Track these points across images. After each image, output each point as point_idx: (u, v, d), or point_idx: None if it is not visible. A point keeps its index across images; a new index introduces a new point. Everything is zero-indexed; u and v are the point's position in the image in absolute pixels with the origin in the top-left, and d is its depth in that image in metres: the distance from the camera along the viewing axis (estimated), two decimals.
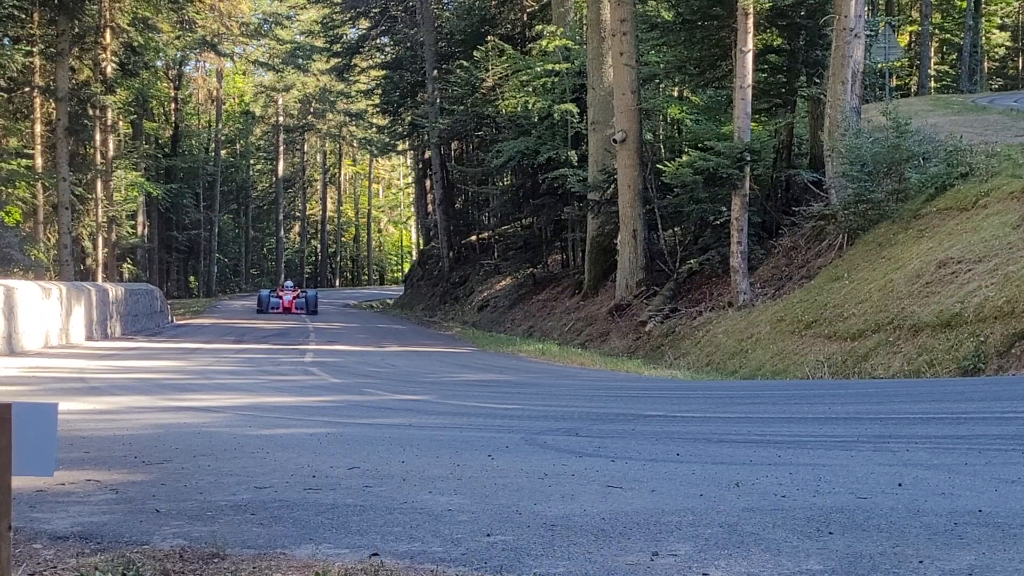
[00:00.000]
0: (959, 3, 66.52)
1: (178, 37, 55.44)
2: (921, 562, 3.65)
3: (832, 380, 15.41)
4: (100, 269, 44.33)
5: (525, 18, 47.71)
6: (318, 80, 76.53)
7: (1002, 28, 70.06)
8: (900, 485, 5.12)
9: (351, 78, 62.66)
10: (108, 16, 43.35)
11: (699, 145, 24.83)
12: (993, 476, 5.30)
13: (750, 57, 23.39)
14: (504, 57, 38.42)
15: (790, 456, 6.49)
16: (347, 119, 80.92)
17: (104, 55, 43.35)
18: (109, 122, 46.17)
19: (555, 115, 33.51)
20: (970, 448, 6.38)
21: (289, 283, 43.09)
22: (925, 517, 4.35)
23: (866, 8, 27.48)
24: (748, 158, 23.34)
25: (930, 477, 5.36)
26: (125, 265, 55.37)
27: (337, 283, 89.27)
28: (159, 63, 61.11)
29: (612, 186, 29.25)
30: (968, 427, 7.38)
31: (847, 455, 6.41)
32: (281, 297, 38.54)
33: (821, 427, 8.04)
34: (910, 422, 7.97)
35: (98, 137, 44.66)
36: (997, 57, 71.85)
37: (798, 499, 4.88)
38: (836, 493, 5.03)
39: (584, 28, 34.45)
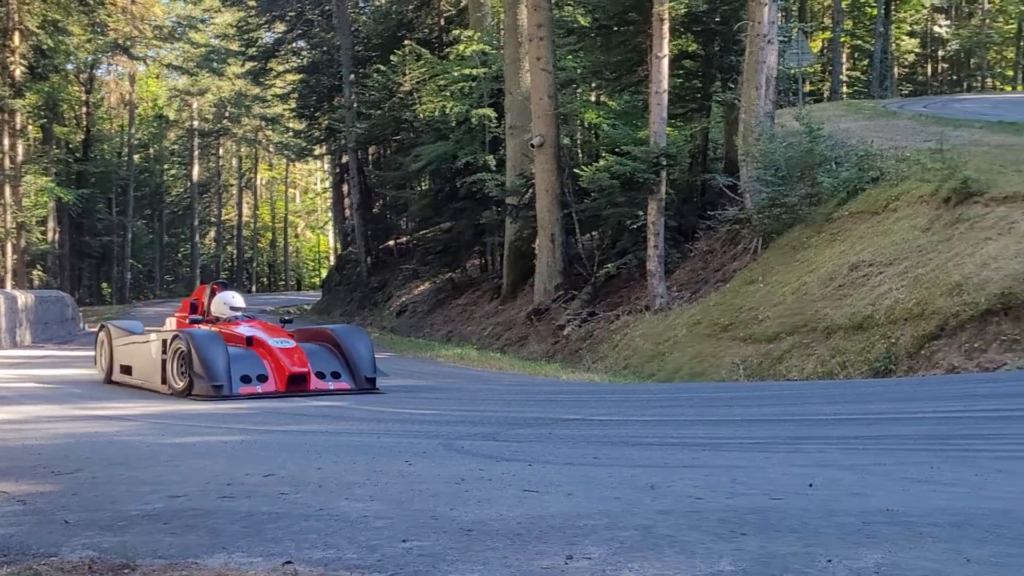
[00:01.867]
0: (870, 10, 67.66)
1: (89, 40, 54.69)
2: (830, 561, 3.69)
3: (748, 382, 15.57)
4: (9, 276, 43.53)
5: (442, 23, 47.69)
6: (233, 84, 75.82)
7: (911, 35, 71.38)
8: (813, 486, 5.18)
9: (267, 82, 62.10)
10: (16, 19, 42.58)
11: (616, 150, 24.98)
12: (903, 476, 5.39)
13: (666, 62, 23.56)
14: (421, 61, 38.37)
15: (706, 458, 6.55)
16: (263, 123, 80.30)
17: (12, 58, 42.56)
18: (18, 126, 45.33)
19: (473, 120, 33.51)
20: (882, 448, 6.48)
21: (230, 295, 15.85)
22: (837, 517, 4.40)
23: (779, 15, 27.86)
24: (664, 163, 23.52)
25: (842, 477, 5.43)
26: (35, 272, 54.39)
27: (254, 289, 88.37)
28: (70, 66, 60.16)
29: (530, 191, 29.31)
30: (880, 428, 7.50)
31: (762, 457, 6.48)
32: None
33: (737, 429, 8.12)
34: (824, 423, 8.08)
35: (6, 142, 43.85)
36: (907, 63, 73.15)
37: (713, 501, 4.92)
38: (750, 495, 5.08)
39: (501, 33, 34.48)
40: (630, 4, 25.81)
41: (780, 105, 30.55)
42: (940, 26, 72.01)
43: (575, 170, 26.66)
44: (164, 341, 12.77)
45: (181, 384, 12.30)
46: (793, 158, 22.00)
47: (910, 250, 16.50)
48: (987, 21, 71.59)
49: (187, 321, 13.61)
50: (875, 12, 65.63)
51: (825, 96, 62.06)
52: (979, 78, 72.58)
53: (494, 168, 32.59)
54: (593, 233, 29.72)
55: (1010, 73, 72.14)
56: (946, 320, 13.62)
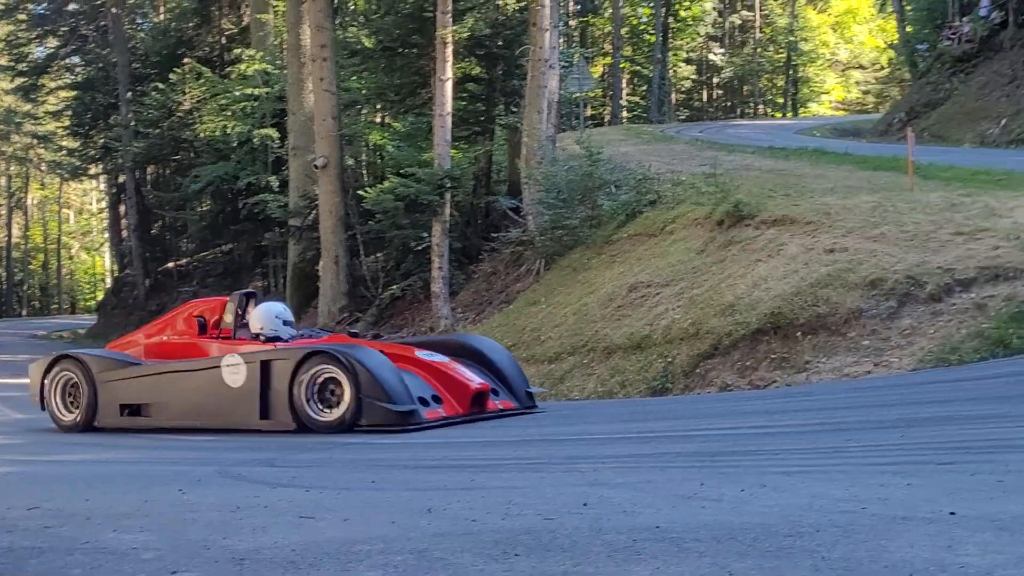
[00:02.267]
0: (648, 38, 69.69)
1: None
2: None
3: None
4: None
5: (224, 41, 46.83)
6: (2, 100, 72.72)
7: (688, 62, 73.86)
8: (585, 504, 5.24)
9: (39, 99, 59.72)
10: None
11: (401, 171, 24.99)
12: (672, 492, 5.50)
13: (449, 85, 23.72)
14: (202, 80, 37.60)
15: (483, 480, 6.56)
16: (35, 141, 77.18)
17: None
18: None
19: (255, 140, 33.03)
20: (653, 466, 6.62)
21: (280, 307, 11.26)
22: (607, 535, 4.46)
23: (561, 40, 28.37)
24: (448, 185, 23.64)
25: (614, 496, 5.51)
26: None
27: (24, 313, 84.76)
28: None
29: (314, 212, 29.02)
30: (653, 445, 7.66)
31: (538, 477, 6.54)
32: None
33: (515, 450, 8.17)
34: (600, 442, 8.21)
35: None
36: (684, 89, 75.62)
37: (488, 523, 4.93)
38: (525, 515, 5.10)
39: (284, 53, 34.12)
40: (414, 27, 25.94)
41: (562, 129, 31.14)
42: (715, 54, 74.70)
43: (359, 191, 26.52)
44: (265, 363, 10.03)
45: (331, 415, 9.68)
46: (574, 181, 22.42)
47: (686, 271, 16.99)
48: (758, 50, 74.66)
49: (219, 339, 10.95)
50: (653, 39, 67.63)
51: (606, 120, 63.53)
52: (752, 105, 75.52)
53: (277, 189, 32.18)
54: (378, 255, 29.62)
55: (780, 100, 75.28)
56: (720, 339, 14.06)
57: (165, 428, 10.59)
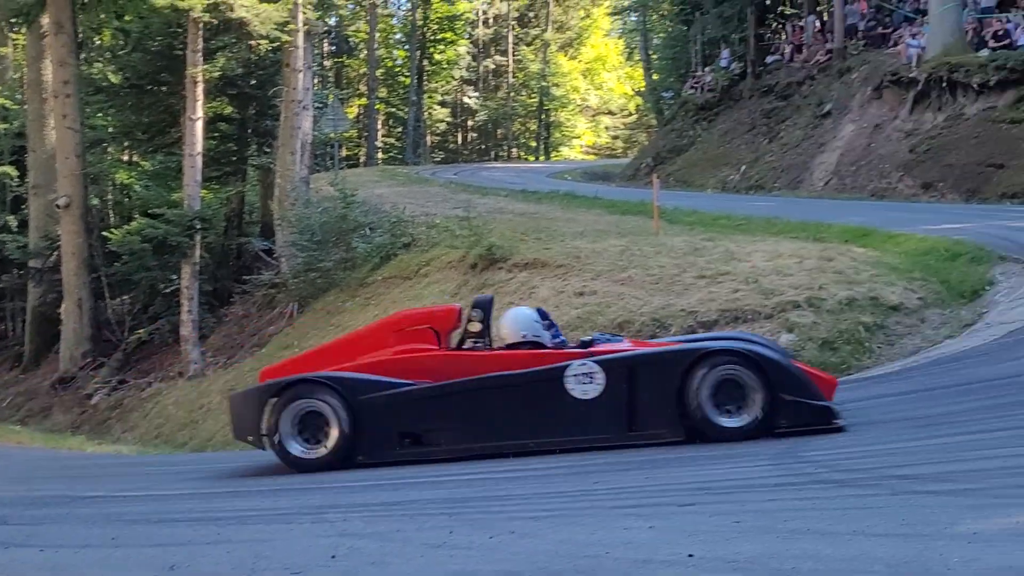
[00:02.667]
0: (404, 80, 70.11)
1: None
2: None
3: None
4: None
5: None
6: None
7: (443, 104, 74.58)
8: (334, 557, 5.15)
9: None
10: None
11: (149, 212, 24.33)
12: (422, 542, 5.46)
13: (200, 125, 23.27)
14: None
15: (231, 532, 6.38)
16: None
17: None
18: None
19: None
20: (404, 514, 6.56)
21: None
22: None
23: (315, 81, 28.26)
24: (199, 226, 23.15)
25: (364, 547, 5.44)
26: None
27: None
28: None
29: (56, 253, 27.84)
30: (403, 492, 7.60)
31: (287, 528, 6.39)
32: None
33: (265, 500, 7.97)
34: (350, 490, 8.09)
35: None
36: (439, 131, 76.28)
37: None
38: (273, 569, 4.98)
39: (24, 88, 32.75)
40: (163, 64, 25.38)
41: (316, 170, 30.92)
42: (469, 97, 75.70)
43: (105, 232, 25.63)
44: (633, 368, 8.53)
45: (740, 419, 8.15)
46: (328, 223, 22.29)
47: None
48: (512, 94, 76.03)
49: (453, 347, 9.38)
50: (408, 81, 68.10)
51: (361, 161, 63.49)
52: (506, 148, 76.76)
53: (16, 229, 30.73)
54: (124, 297, 28.64)
55: (533, 144, 76.82)
56: None
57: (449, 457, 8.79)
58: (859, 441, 7.46)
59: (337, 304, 20.71)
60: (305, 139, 24.51)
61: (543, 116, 75.51)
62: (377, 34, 66.51)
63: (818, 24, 40.28)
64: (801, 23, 41.25)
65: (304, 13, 24.51)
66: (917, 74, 29.96)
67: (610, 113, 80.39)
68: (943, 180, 27.28)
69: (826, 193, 31.00)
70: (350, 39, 69.65)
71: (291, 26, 24.04)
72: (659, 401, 8.31)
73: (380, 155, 66.10)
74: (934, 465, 6.37)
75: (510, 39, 76.63)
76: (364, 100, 67.84)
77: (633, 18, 62.11)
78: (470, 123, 77.83)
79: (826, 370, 11.78)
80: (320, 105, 29.49)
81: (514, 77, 76.81)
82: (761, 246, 17.02)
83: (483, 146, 78.58)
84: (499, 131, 77.86)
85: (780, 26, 44.14)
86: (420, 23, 68.75)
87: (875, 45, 35.78)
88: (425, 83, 70.55)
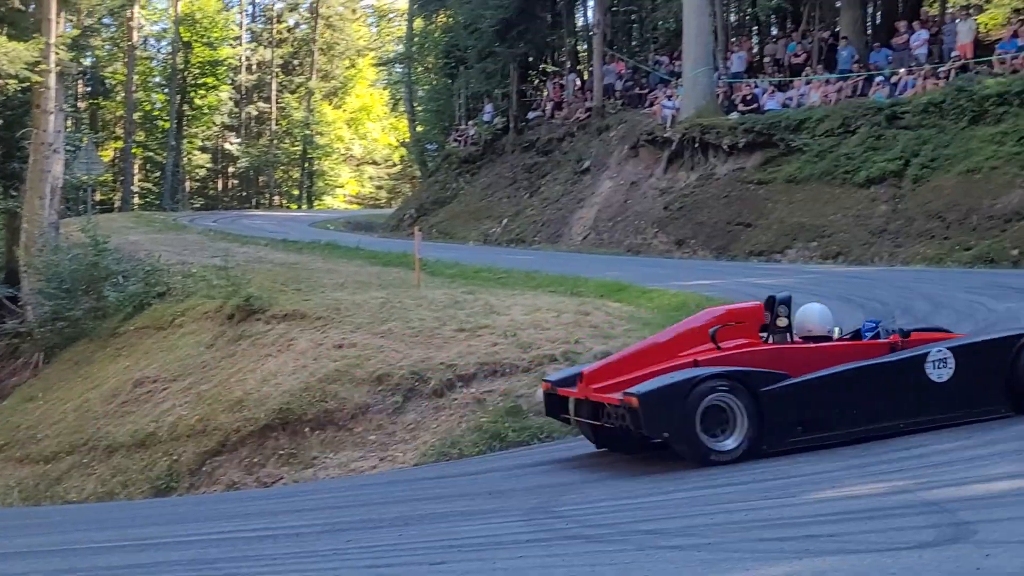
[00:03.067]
0: (163, 124, 68.46)
1: None
2: None
3: (23, 507, 14.67)
4: None
5: None
6: None
7: (203, 150, 73.21)
8: None
9: None
10: None
11: None
12: None
13: None
14: None
15: None
16: None
17: None
18: None
19: None
20: None
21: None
22: None
23: (68, 123, 27.28)
24: None
25: None
26: None
27: None
28: None
29: None
30: (149, 554, 7.29)
31: None
32: None
33: None
34: (93, 552, 7.72)
35: None
36: (199, 177, 74.78)
37: None
38: None
39: None
40: None
41: (67, 215, 29.79)
42: (231, 143, 74.55)
43: None
44: (976, 353, 9.28)
45: None
46: (78, 271, 21.48)
47: (195, 366, 16.59)
48: (275, 142, 75.26)
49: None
50: (168, 125, 66.56)
51: (116, 207, 61.54)
52: (268, 196, 75.84)
53: None
54: None
55: (296, 192, 76.12)
56: (228, 436, 13.77)
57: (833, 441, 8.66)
58: (609, 495, 7.57)
59: (86, 355, 19.92)
60: (55, 183, 23.59)
61: (306, 164, 74.95)
62: (135, 76, 64.74)
63: (578, 82, 41.40)
64: (562, 81, 42.31)
65: (57, 53, 23.68)
66: (671, 134, 31.10)
67: (374, 163, 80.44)
68: (695, 237, 28.32)
69: (584, 247, 31.74)
70: (107, 81, 67.66)
71: (42, 66, 23.17)
72: (994, 381, 9.08)
73: (137, 200, 64.25)
74: (679, 519, 6.51)
75: (274, 86, 75.94)
76: (120, 143, 65.82)
77: (398, 70, 62.48)
78: (231, 169, 76.58)
79: None
80: (73, 148, 28.43)
81: (277, 124, 76.07)
82: (520, 300, 17.23)
83: (244, 193, 77.39)
84: (261, 178, 76.87)
85: (542, 83, 45.15)
86: (181, 67, 67.37)
87: (632, 105, 37.00)
88: (185, 128, 69.14)
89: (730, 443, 8.36)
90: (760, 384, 8.56)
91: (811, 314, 9.63)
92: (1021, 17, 29.59)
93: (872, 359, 9.12)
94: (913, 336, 9.54)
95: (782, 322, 9.37)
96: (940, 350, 9.06)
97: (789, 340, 9.37)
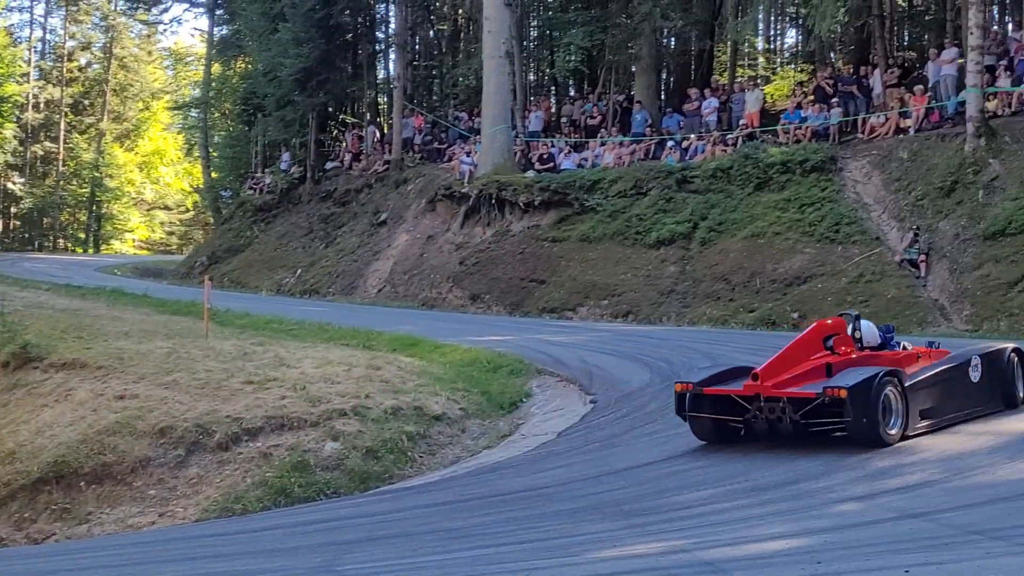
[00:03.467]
0: None
1: None
2: None
3: None
4: None
5: None
6: None
7: None
8: None
9: None
10: None
11: None
12: None
13: None
14: None
15: None
16: None
17: None
18: None
19: None
20: None
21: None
22: None
23: None
24: None
25: None
26: None
27: None
28: None
29: None
30: None
31: None
32: None
33: None
34: None
35: None
36: None
37: None
38: None
39: None
40: None
41: None
42: (14, 183, 71.80)
43: None
44: (990, 360, 11.19)
45: None
46: None
47: None
48: (61, 183, 72.89)
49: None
50: None
51: None
52: (52, 238, 73.32)
53: None
54: None
55: (82, 235, 73.81)
56: None
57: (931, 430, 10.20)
58: (395, 553, 7.46)
59: None
60: None
61: (94, 207, 72.78)
62: None
63: (378, 135, 41.43)
64: (361, 132, 42.28)
65: None
66: (469, 190, 31.42)
67: (166, 208, 78.69)
68: (489, 292, 28.58)
69: (379, 300, 31.67)
70: None
71: None
72: (999, 382, 11.12)
73: None
74: None
75: (62, 126, 73.58)
76: None
77: (194, 114, 61.37)
78: (14, 210, 73.67)
79: (368, 479, 11.91)
80: None
81: (65, 165, 73.67)
82: (311, 352, 17.03)
83: (27, 235, 74.54)
84: (46, 220, 74.22)
85: (341, 133, 45.05)
86: None
87: (431, 159, 37.28)
88: None
89: (894, 429, 9.59)
90: (904, 380, 9.90)
91: (869, 329, 11.19)
92: (804, 90, 31.06)
93: (949, 362, 10.92)
94: (914, 348, 11.40)
95: (857, 334, 10.92)
96: (975, 358, 10.96)
97: (861, 349, 10.89)
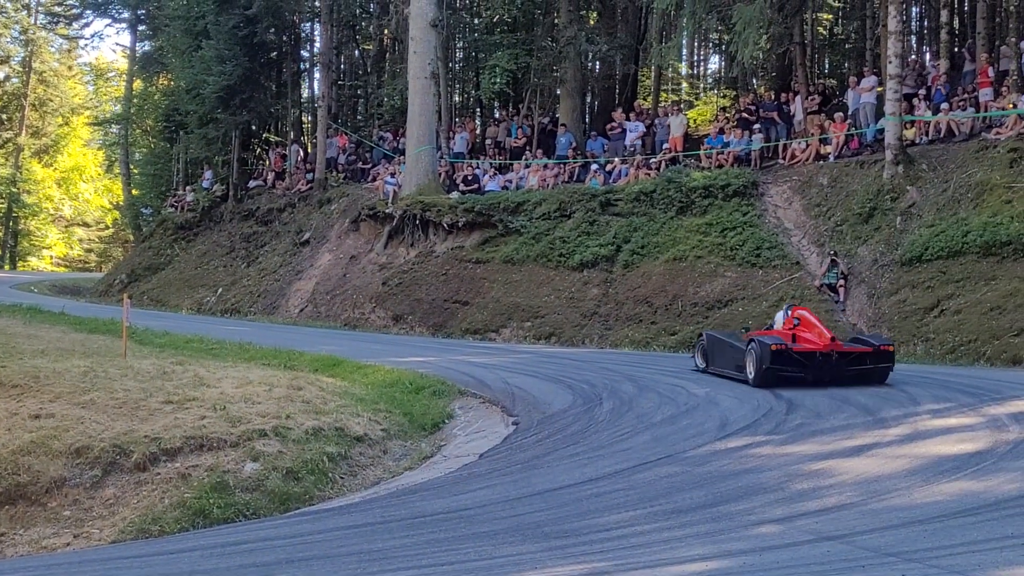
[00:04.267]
0: None
1: None
2: None
3: None
4: None
5: None
6: None
7: None
8: None
9: None
10: None
11: None
12: None
13: None
14: None
15: None
16: None
17: None
18: None
19: None
20: None
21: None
22: None
23: None
24: None
25: None
26: None
27: None
28: None
29: None
30: None
31: None
32: None
33: None
34: None
35: None
36: None
37: None
38: None
39: None
40: None
41: None
42: None
43: None
44: None
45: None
46: None
47: None
48: None
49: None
50: None
51: None
52: None
53: None
54: None
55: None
56: None
57: None
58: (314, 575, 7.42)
59: None
60: None
61: (11, 223, 71.55)
62: None
63: (301, 153, 41.25)
64: (285, 151, 42.06)
65: None
66: (393, 210, 31.38)
67: (85, 225, 77.63)
68: (412, 313, 28.53)
69: (301, 320, 31.47)
70: None
71: None
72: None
73: None
74: None
75: None
76: None
77: (115, 130, 60.66)
78: None
79: (289, 500, 11.80)
80: None
81: None
82: (232, 372, 16.88)
83: None
84: None
85: (264, 152, 44.77)
86: None
87: (355, 179, 37.20)
88: None
89: None
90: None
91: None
92: (727, 115, 31.45)
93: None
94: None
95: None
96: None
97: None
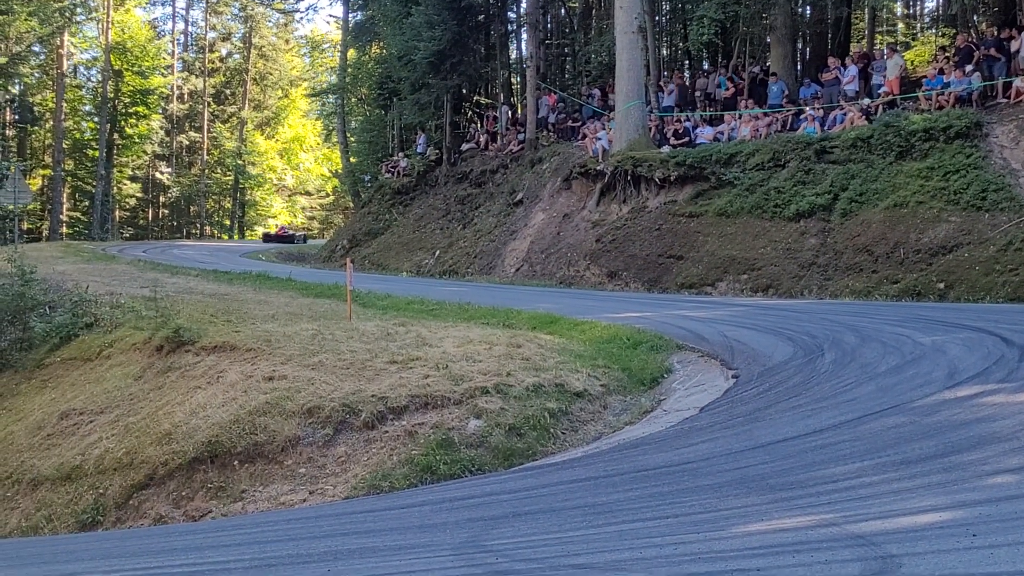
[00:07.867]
0: (92, 152, 67.72)
1: None
2: None
3: None
4: None
5: None
6: None
7: (133, 179, 72.57)
8: None
9: None
10: None
11: None
12: None
13: None
14: None
15: None
16: None
17: None
18: None
19: None
20: None
21: None
22: None
23: None
24: None
25: None
26: None
27: None
28: None
29: None
30: None
31: None
32: None
33: None
34: None
35: None
36: (129, 207, 74.06)
37: None
38: None
39: None
40: None
41: None
42: (162, 173, 73.95)
43: None
44: None
45: None
46: (4, 301, 21.13)
47: (122, 398, 16.34)
48: (206, 171, 74.77)
49: None
50: (97, 154, 65.83)
51: (44, 236, 60.81)
52: (199, 225, 75.28)
53: None
54: None
55: (227, 222, 75.60)
56: (155, 469, 13.56)
57: None
58: (539, 529, 7.54)
59: (11, 387, 19.53)
60: None
61: (238, 194, 74.51)
62: (65, 104, 64.06)
63: (511, 114, 41.57)
64: (495, 113, 42.47)
65: None
66: (604, 167, 31.32)
67: (307, 194, 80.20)
68: (627, 269, 28.47)
69: (517, 279, 31.80)
70: (35, 108, 66.89)
71: None
72: None
73: (65, 230, 63.42)
74: (608, 553, 6.50)
75: (205, 116, 75.51)
76: (49, 172, 65.08)
77: (331, 100, 62.36)
78: (162, 199, 75.94)
79: (512, 456, 12.00)
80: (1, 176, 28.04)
81: (209, 154, 75.59)
82: (452, 331, 17.22)
83: (175, 223, 76.77)
84: (192, 208, 76.29)
85: (475, 115, 45.32)
86: (111, 95, 66.74)
87: (565, 138, 37.26)
88: (115, 157, 68.42)
89: None
90: None
91: None
92: (947, 55, 30.21)
93: None
94: None
95: None
96: None
97: None
